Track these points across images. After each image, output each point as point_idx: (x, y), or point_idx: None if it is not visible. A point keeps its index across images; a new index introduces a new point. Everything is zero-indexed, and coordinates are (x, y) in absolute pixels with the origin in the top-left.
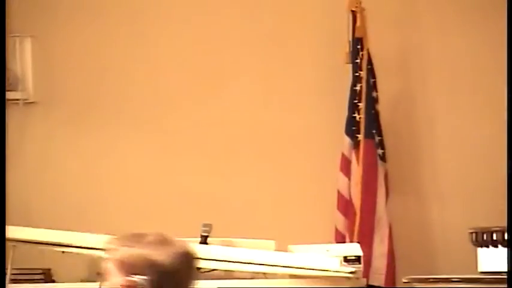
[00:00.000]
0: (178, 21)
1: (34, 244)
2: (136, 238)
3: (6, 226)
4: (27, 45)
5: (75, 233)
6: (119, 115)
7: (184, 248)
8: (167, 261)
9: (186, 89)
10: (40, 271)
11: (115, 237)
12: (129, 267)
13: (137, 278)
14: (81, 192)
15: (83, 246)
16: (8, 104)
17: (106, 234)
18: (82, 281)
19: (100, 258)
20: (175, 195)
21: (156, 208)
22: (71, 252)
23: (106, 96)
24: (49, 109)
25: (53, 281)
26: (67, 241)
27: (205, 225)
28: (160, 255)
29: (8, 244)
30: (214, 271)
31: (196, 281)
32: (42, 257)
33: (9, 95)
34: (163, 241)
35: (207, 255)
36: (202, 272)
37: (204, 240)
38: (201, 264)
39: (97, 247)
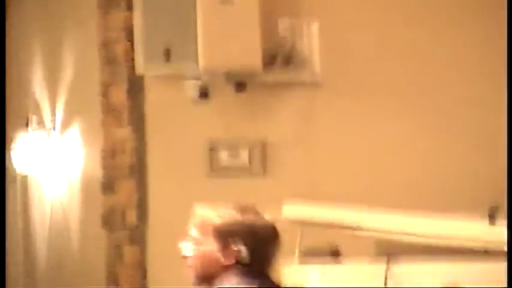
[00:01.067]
0: None
1: (323, 225)
2: (230, 208)
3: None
4: (314, 27)
5: (364, 213)
6: (403, 96)
7: (271, 221)
8: (264, 231)
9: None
10: (328, 250)
11: (207, 206)
12: (227, 235)
13: (238, 246)
14: (368, 172)
15: (372, 227)
16: (295, 85)
17: (394, 213)
18: (369, 260)
19: (390, 239)
20: (460, 176)
21: (439, 188)
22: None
23: (390, 77)
24: (335, 90)
25: (341, 260)
26: (356, 222)
27: (491, 208)
28: (258, 225)
29: (290, 223)
30: None
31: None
32: (330, 234)
33: (296, 76)
34: (257, 212)
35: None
36: None
37: (491, 221)
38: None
39: (386, 228)
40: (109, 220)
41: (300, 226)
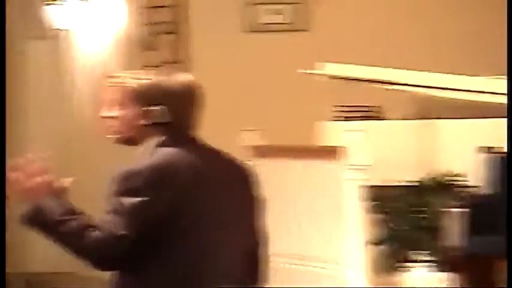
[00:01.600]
0: None
1: (358, 81)
2: (146, 70)
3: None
4: None
5: (403, 70)
6: None
7: (190, 78)
8: (181, 90)
9: None
10: (367, 108)
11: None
12: (145, 96)
13: (155, 108)
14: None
15: (410, 83)
16: None
17: (429, 71)
18: (406, 118)
19: (426, 95)
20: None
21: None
22: (397, 90)
23: None
24: None
25: (383, 118)
26: (394, 78)
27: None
28: (175, 84)
29: (329, 81)
30: None
31: (200, 110)
32: (371, 94)
33: None
34: (171, 71)
35: None
36: None
37: None
38: None
39: (423, 84)
40: None
41: (340, 83)
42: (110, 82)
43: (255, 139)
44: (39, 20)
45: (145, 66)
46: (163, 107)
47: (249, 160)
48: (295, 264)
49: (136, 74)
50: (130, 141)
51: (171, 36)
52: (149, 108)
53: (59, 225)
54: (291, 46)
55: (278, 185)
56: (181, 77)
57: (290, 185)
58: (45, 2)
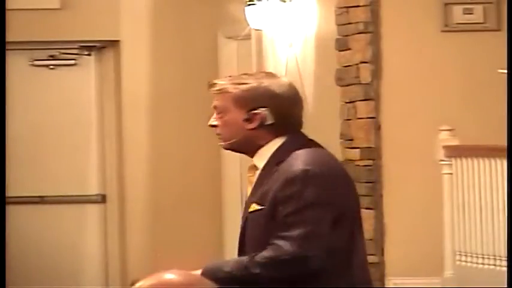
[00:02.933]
0: None
1: None
2: (245, 75)
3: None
4: None
5: None
6: None
7: (288, 79)
8: (281, 91)
9: None
10: None
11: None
12: (248, 101)
13: (261, 110)
14: None
15: None
16: None
17: None
18: None
19: None
20: None
21: None
22: None
23: None
24: None
25: None
26: None
27: None
28: (275, 86)
29: None
30: None
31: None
32: None
33: None
34: (270, 75)
35: None
36: None
37: None
38: None
39: None
40: (343, 76)
41: None
42: (211, 90)
43: (452, 139)
44: (235, 19)
45: (343, 67)
46: (265, 108)
47: (446, 159)
48: (488, 265)
49: (235, 79)
50: (240, 146)
51: (365, 36)
52: (251, 111)
53: (249, 269)
54: (483, 46)
55: (474, 184)
56: (279, 80)
57: (485, 185)
58: (247, 2)
